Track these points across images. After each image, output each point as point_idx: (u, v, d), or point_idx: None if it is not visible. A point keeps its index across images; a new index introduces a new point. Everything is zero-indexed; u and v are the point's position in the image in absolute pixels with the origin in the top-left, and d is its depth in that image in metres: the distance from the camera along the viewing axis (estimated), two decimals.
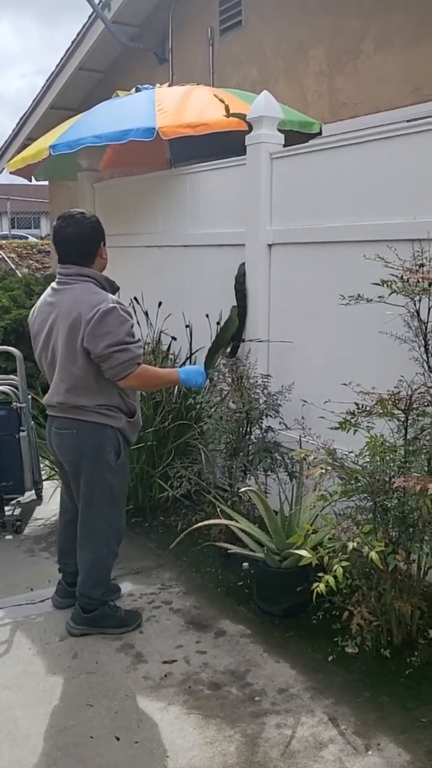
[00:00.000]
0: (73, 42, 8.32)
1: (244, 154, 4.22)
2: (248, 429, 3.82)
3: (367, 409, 2.76)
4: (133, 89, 5.53)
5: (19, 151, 8.18)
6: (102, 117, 5.03)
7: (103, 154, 6.10)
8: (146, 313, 4.83)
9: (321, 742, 2.42)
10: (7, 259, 12.56)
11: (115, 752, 2.39)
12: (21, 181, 6.66)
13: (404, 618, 2.82)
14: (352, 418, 2.79)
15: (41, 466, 4.74)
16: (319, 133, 5.19)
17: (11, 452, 4.35)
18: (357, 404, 2.80)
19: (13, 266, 12.26)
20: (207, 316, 4.52)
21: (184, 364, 4.61)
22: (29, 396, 4.55)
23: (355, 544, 2.49)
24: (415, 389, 2.77)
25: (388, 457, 2.71)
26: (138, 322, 4.13)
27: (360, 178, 3.52)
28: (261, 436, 3.83)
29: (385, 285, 2.76)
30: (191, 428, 4.21)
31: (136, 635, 3.10)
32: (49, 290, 3.05)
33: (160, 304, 4.82)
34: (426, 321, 2.80)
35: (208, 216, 4.72)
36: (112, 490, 3.05)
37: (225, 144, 4.68)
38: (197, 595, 3.44)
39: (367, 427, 2.78)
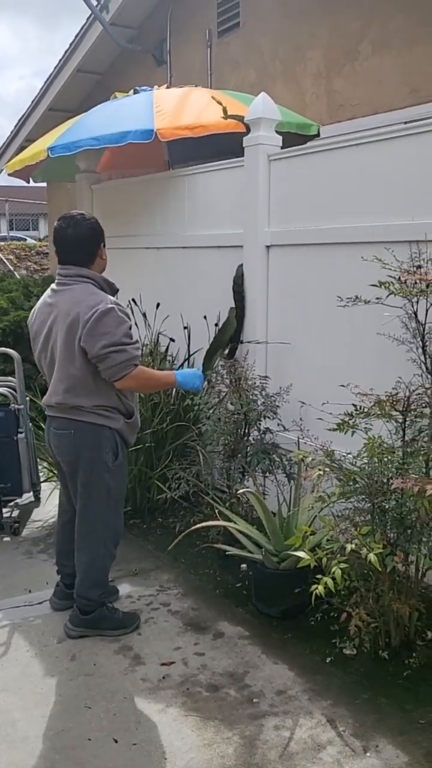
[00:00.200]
0: (71, 44, 8.33)
1: (242, 156, 4.23)
2: (246, 430, 3.82)
3: (365, 410, 2.76)
4: (131, 91, 5.54)
5: (17, 153, 8.18)
6: (100, 119, 5.04)
7: (101, 156, 6.10)
8: (144, 315, 4.83)
9: (319, 743, 2.41)
10: (5, 260, 12.56)
11: (113, 754, 2.39)
12: (19, 182, 6.66)
13: (402, 619, 2.82)
14: (350, 419, 2.79)
15: (39, 467, 4.74)
16: (317, 135, 5.20)
17: (9, 454, 4.34)
18: (355, 405, 2.80)
19: (12, 268, 12.26)
20: (205, 317, 4.52)
21: (182, 365, 4.61)
22: (27, 398, 4.55)
23: (353, 545, 2.49)
24: (413, 390, 2.77)
25: (386, 459, 2.71)
26: (136, 324, 4.13)
27: (358, 179, 3.52)
28: (259, 437, 3.83)
29: (382, 286, 2.76)
30: (189, 430, 4.21)
31: (134, 637, 3.09)
32: (48, 291, 3.06)
33: (158, 305, 4.82)
34: (424, 322, 2.80)
35: (207, 218, 4.73)
36: (110, 491, 3.05)
37: (223, 146, 4.68)
38: (195, 596, 3.44)
39: (365, 428, 2.78)
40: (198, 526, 3.33)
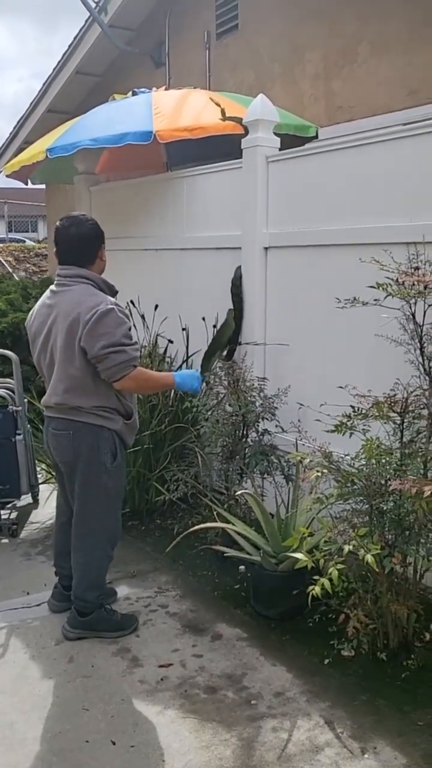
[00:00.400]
0: (69, 46, 8.33)
1: (241, 158, 4.23)
2: (245, 432, 3.82)
3: (363, 411, 2.76)
4: (130, 93, 5.54)
5: (15, 155, 8.18)
6: (99, 120, 5.04)
7: (99, 158, 6.11)
8: (143, 316, 4.83)
9: (317, 745, 2.41)
10: (4, 262, 12.56)
11: (110, 756, 2.38)
12: (18, 184, 6.66)
13: (400, 621, 2.82)
14: (348, 420, 2.80)
15: (37, 469, 4.74)
16: (316, 137, 5.21)
17: (7, 456, 4.34)
18: (353, 407, 2.81)
19: (10, 269, 12.26)
20: (203, 319, 4.53)
21: (180, 367, 4.61)
22: (25, 399, 4.55)
23: (350, 547, 2.49)
24: (411, 392, 2.77)
25: (384, 460, 2.71)
26: (134, 325, 4.13)
27: (356, 181, 3.52)
28: (257, 439, 3.83)
29: (380, 288, 2.76)
30: (188, 431, 4.21)
31: (132, 639, 3.09)
32: (47, 293, 3.06)
33: (156, 307, 4.82)
34: (421, 324, 2.80)
35: (205, 219, 4.73)
36: (108, 492, 3.05)
37: (221, 147, 4.69)
38: (193, 598, 3.44)
39: (363, 429, 2.78)
40: (196, 527, 3.33)
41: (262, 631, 3.13)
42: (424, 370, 2.80)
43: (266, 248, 4.15)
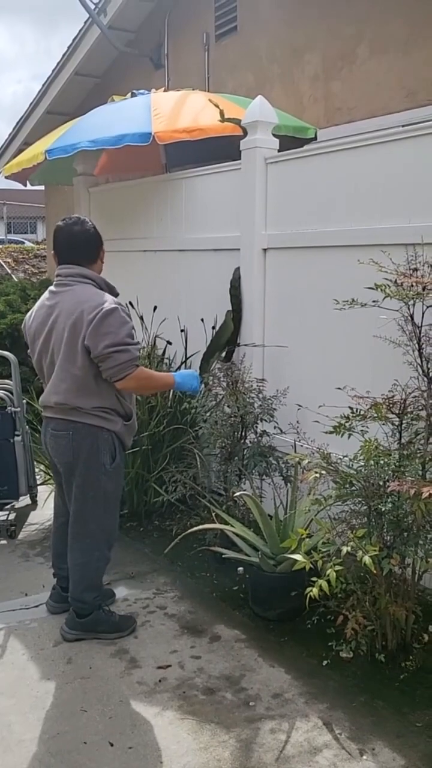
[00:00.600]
0: (69, 47, 8.34)
1: (239, 159, 4.23)
2: (243, 433, 3.82)
3: (362, 413, 2.76)
4: (129, 94, 5.54)
5: (14, 156, 8.19)
6: (98, 122, 5.04)
7: (98, 159, 6.11)
8: (141, 318, 4.84)
9: (316, 747, 2.41)
10: (3, 263, 12.56)
11: (108, 758, 2.38)
12: (17, 185, 6.66)
13: (399, 622, 2.82)
14: (346, 422, 2.80)
15: (36, 470, 4.74)
16: (314, 138, 5.21)
17: (6, 457, 4.34)
18: (351, 408, 2.81)
19: (9, 271, 12.26)
20: (202, 320, 4.53)
21: (179, 368, 4.61)
22: (24, 400, 4.55)
23: (349, 548, 2.49)
24: (410, 393, 2.77)
25: (382, 461, 2.71)
26: (133, 327, 4.13)
27: (355, 182, 3.53)
28: (256, 440, 3.83)
29: (379, 289, 2.77)
30: (186, 432, 4.21)
31: (130, 640, 3.09)
32: (46, 294, 3.06)
33: (155, 308, 4.82)
34: (420, 325, 2.80)
35: (204, 220, 4.73)
36: (106, 494, 3.05)
37: (220, 149, 4.69)
38: (192, 599, 3.43)
39: (362, 431, 2.79)
40: (195, 529, 3.33)
41: (261, 633, 3.13)
42: (423, 371, 2.80)
43: (265, 250, 4.15)
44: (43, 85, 8.95)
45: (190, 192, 4.85)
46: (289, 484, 3.63)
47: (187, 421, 4.33)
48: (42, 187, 10.27)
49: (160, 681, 2.79)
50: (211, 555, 3.65)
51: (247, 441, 3.84)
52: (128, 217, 5.57)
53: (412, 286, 2.70)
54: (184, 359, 4.63)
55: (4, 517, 4.33)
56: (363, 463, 2.75)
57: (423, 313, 2.81)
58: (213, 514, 3.53)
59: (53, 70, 8.73)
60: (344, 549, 2.48)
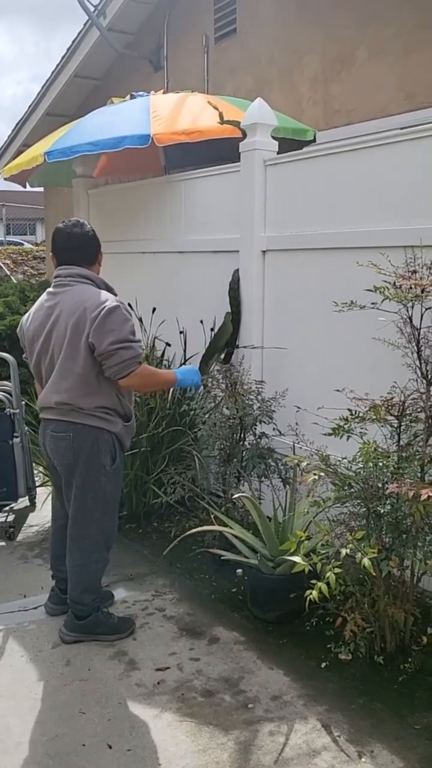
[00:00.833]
0: (68, 49, 8.34)
1: (239, 161, 4.24)
2: (242, 435, 3.82)
3: (361, 415, 2.77)
4: (128, 96, 5.55)
5: (14, 158, 8.19)
6: (97, 124, 5.05)
7: (98, 161, 6.11)
8: (140, 319, 4.83)
9: (314, 749, 2.41)
10: (2, 265, 12.55)
11: (107, 760, 2.38)
12: (16, 187, 6.67)
13: (398, 624, 2.82)
14: (345, 424, 2.80)
15: (35, 472, 4.73)
16: (313, 141, 5.22)
17: (5, 458, 4.34)
18: (350, 410, 2.81)
19: (8, 272, 12.26)
20: (201, 322, 4.53)
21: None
22: (23, 402, 4.54)
23: (347, 550, 2.49)
24: (408, 395, 2.78)
25: (381, 463, 2.71)
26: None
27: (354, 185, 3.53)
28: (255, 442, 3.83)
29: (377, 291, 2.77)
30: (185, 434, 4.21)
31: (129, 642, 3.08)
32: (45, 296, 3.06)
33: (154, 310, 4.82)
34: (419, 327, 2.80)
35: (203, 222, 4.73)
36: (106, 495, 3.05)
37: (219, 151, 4.69)
38: (191, 601, 3.43)
39: (361, 433, 2.79)
40: (193, 530, 3.33)
41: (260, 635, 3.13)
42: (421, 373, 2.81)
43: (264, 251, 4.16)
44: (43, 87, 8.96)
45: (189, 194, 4.85)
46: (287, 486, 3.63)
47: (186, 422, 4.33)
48: (41, 189, 10.27)
49: (158, 683, 2.79)
50: (210, 557, 3.64)
51: (246, 443, 3.84)
52: (127, 218, 5.57)
53: (411, 288, 2.71)
54: (183, 361, 4.63)
55: (3, 519, 4.33)
56: (362, 465, 2.75)
57: (422, 316, 2.81)
58: (212, 515, 3.53)
59: (53, 72, 8.73)
60: (343, 551, 2.48)
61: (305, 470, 2.81)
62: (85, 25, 7.90)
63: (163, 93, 5.61)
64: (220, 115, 4.64)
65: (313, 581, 2.49)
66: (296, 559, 2.60)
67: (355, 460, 2.77)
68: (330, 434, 2.82)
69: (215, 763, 2.36)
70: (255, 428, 3.82)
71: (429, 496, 2.37)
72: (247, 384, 3.84)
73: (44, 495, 4.61)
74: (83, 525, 3.05)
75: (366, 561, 2.43)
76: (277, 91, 6.22)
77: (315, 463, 2.83)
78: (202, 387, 3.89)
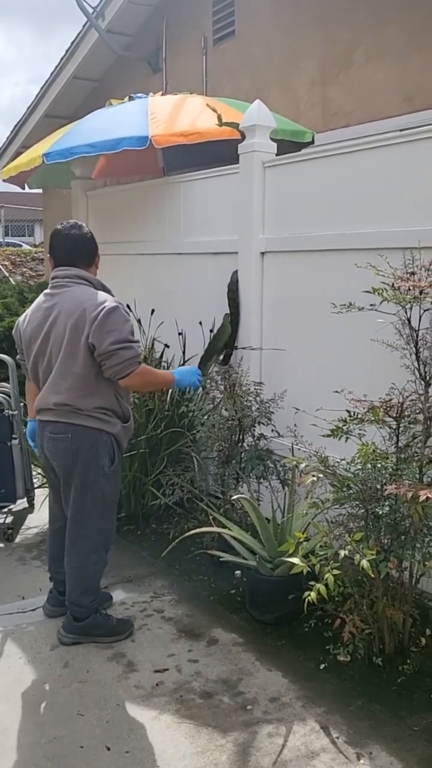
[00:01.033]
0: (67, 51, 8.35)
1: (237, 163, 4.24)
2: (241, 436, 3.82)
3: (359, 416, 2.77)
4: (127, 98, 5.55)
5: (12, 159, 8.19)
6: (95, 125, 5.05)
7: (96, 162, 6.11)
8: (139, 321, 4.83)
9: (313, 750, 2.41)
10: (0, 266, 12.55)
11: (105, 762, 2.37)
12: (15, 188, 6.66)
13: (396, 626, 2.82)
14: (344, 425, 2.80)
15: (33, 473, 4.73)
16: (312, 142, 5.22)
17: (3, 460, 4.34)
18: (349, 412, 2.81)
19: (7, 274, 12.25)
20: (200, 323, 4.53)
21: None
22: (21, 403, 4.54)
23: (346, 552, 2.49)
24: (407, 397, 2.78)
25: (379, 465, 2.71)
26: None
27: (352, 186, 3.53)
28: (253, 443, 3.83)
29: (376, 293, 2.77)
30: (184, 436, 4.21)
31: (127, 644, 3.08)
32: (42, 297, 3.06)
33: (152, 311, 4.82)
34: (417, 329, 2.81)
35: (202, 224, 4.74)
36: (104, 496, 3.04)
37: (218, 153, 4.70)
38: (189, 603, 3.43)
39: (359, 434, 2.79)
40: (192, 532, 3.32)
41: (258, 636, 3.12)
42: (420, 374, 2.81)
43: (263, 253, 4.16)
44: (41, 89, 8.97)
45: (188, 195, 4.85)
46: (286, 488, 3.63)
47: (185, 424, 4.32)
48: (40, 190, 10.27)
49: (157, 685, 2.79)
50: (209, 558, 3.64)
51: (245, 444, 3.84)
52: (126, 220, 5.57)
53: (409, 289, 2.71)
54: (182, 362, 4.63)
55: (2, 521, 4.32)
56: (360, 467, 2.75)
57: (420, 317, 2.81)
58: (210, 517, 3.53)
59: (51, 74, 8.74)
60: (342, 552, 2.48)
61: (304, 472, 2.80)
62: (83, 26, 7.91)
63: (162, 95, 5.61)
64: (219, 117, 4.64)
65: (312, 583, 2.49)
66: (295, 560, 2.60)
67: (354, 461, 2.77)
68: (329, 435, 2.82)
69: (214, 764, 2.35)
70: (254, 429, 3.82)
71: (427, 498, 2.38)
72: (245, 385, 3.84)
73: (43, 496, 4.59)
74: (82, 527, 3.05)
75: (364, 562, 2.43)
76: (276, 93, 6.23)
77: (314, 464, 2.83)
78: (201, 388, 3.88)
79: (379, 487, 2.68)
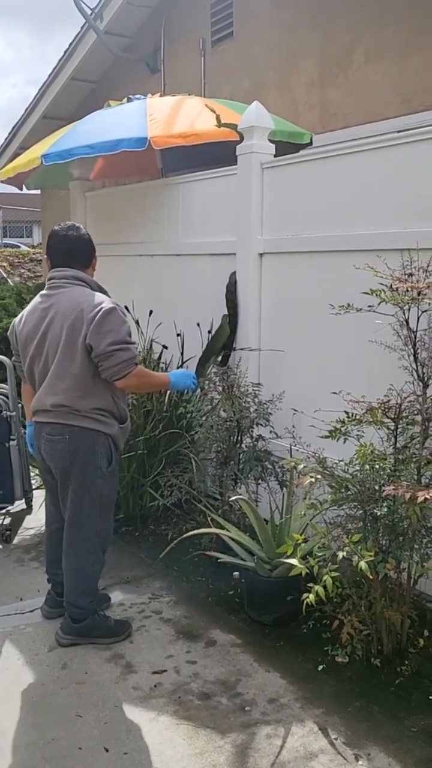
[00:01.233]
0: (65, 52, 8.35)
1: (236, 164, 4.24)
2: (239, 438, 3.82)
3: (357, 417, 2.77)
4: (125, 99, 5.55)
5: (11, 160, 8.18)
6: (94, 127, 5.05)
7: (94, 164, 6.11)
8: (137, 322, 4.83)
9: (311, 752, 2.40)
10: None
11: (103, 764, 2.37)
12: (13, 189, 6.66)
13: (394, 627, 2.82)
14: (342, 426, 2.80)
15: (31, 475, 4.72)
16: (310, 144, 5.22)
17: (1, 461, 4.33)
18: (347, 413, 2.81)
19: (5, 275, 12.25)
20: (198, 324, 4.53)
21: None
22: (19, 404, 4.53)
23: (344, 553, 2.49)
24: (405, 398, 2.78)
25: (377, 466, 2.71)
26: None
27: (350, 188, 3.54)
28: (251, 444, 3.83)
29: (374, 294, 2.77)
30: (182, 437, 4.21)
31: (125, 645, 3.08)
32: (38, 298, 3.06)
33: (151, 312, 4.82)
34: (415, 330, 2.81)
35: (200, 225, 4.74)
36: (102, 497, 3.04)
37: (216, 154, 4.70)
38: (187, 604, 3.43)
39: (357, 435, 2.79)
40: (190, 533, 3.32)
41: (256, 638, 3.12)
42: (418, 375, 2.81)
43: (261, 254, 4.16)
44: (40, 90, 8.97)
45: (186, 197, 4.85)
46: (284, 489, 3.63)
47: (183, 425, 4.32)
48: (38, 192, 10.27)
49: (155, 686, 2.79)
50: (207, 559, 3.64)
51: (243, 445, 3.84)
52: (124, 221, 5.57)
53: (408, 291, 2.71)
54: (180, 363, 4.63)
55: (0, 522, 4.32)
56: (358, 468, 2.75)
57: (418, 318, 2.82)
58: (209, 518, 3.53)
59: (49, 75, 8.74)
60: (340, 554, 2.48)
61: (302, 473, 2.81)
62: (82, 28, 7.91)
63: (160, 96, 5.61)
64: (217, 118, 4.64)
65: (310, 584, 2.49)
66: (293, 561, 2.60)
67: (352, 462, 2.77)
68: (327, 437, 2.82)
69: (212, 766, 2.35)
70: (252, 431, 3.82)
71: (425, 499, 2.38)
72: (244, 386, 3.84)
73: (41, 498, 4.59)
74: (79, 528, 3.04)
75: (363, 564, 2.43)
76: (274, 95, 6.24)
77: (312, 465, 2.83)
78: (199, 390, 3.88)
79: (377, 488, 2.68)
